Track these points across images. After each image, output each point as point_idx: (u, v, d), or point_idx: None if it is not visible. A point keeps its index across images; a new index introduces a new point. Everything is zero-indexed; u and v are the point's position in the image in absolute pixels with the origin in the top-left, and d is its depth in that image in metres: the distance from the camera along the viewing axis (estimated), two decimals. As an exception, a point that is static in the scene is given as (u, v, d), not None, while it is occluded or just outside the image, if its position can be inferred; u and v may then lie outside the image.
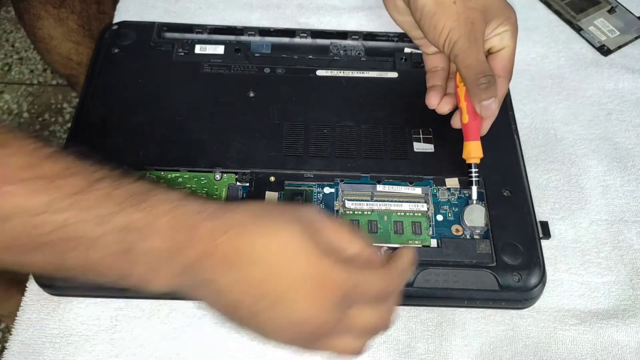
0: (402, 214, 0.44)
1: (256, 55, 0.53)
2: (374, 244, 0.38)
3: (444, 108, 0.46)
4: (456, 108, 0.46)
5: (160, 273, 0.30)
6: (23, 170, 0.28)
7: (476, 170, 0.44)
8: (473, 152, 0.44)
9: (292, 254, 0.30)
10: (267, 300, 0.30)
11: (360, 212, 0.44)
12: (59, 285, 0.41)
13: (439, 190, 0.45)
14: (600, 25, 0.60)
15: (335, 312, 0.31)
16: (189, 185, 0.44)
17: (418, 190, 0.45)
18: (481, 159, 0.44)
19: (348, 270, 0.31)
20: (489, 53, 0.44)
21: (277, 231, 0.31)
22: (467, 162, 0.44)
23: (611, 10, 0.61)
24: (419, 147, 0.47)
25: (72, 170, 0.29)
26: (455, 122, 0.46)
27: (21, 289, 0.42)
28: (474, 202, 0.44)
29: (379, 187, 0.45)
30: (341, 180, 0.45)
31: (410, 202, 0.44)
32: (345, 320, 0.31)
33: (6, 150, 0.28)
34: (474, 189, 0.44)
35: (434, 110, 0.47)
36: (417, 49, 0.51)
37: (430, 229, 0.43)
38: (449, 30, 0.41)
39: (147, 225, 0.29)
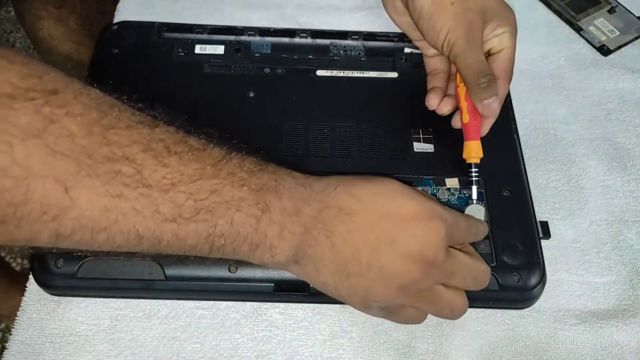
0: (402, 214, 0.44)
1: (256, 55, 0.53)
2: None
3: (444, 109, 0.46)
4: (456, 109, 0.46)
5: (286, 235, 0.33)
6: (177, 144, 0.30)
7: (476, 170, 0.44)
8: (473, 151, 0.44)
9: (400, 196, 0.35)
10: (385, 238, 0.33)
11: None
12: (59, 285, 0.41)
13: (439, 190, 0.45)
14: (600, 25, 0.60)
15: (444, 244, 0.34)
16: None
17: (418, 190, 0.45)
18: (481, 159, 0.44)
19: (445, 208, 0.35)
20: (488, 54, 0.44)
21: (379, 182, 0.35)
22: (467, 161, 0.44)
23: (611, 10, 0.61)
24: (419, 147, 0.47)
25: (209, 145, 0.32)
26: (456, 122, 0.46)
27: (21, 289, 0.42)
28: (474, 202, 0.44)
29: (379, 187, 0.45)
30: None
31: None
32: (451, 258, 0.35)
33: (159, 129, 0.30)
34: (474, 188, 0.44)
35: (434, 110, 0.47)
36: (418, 49, 0.51)
37: (430, 229, 0.43)
38: (447, 31, 0.41)
39: (277, 185, 0.33)
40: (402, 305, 0.36)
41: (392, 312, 0.37)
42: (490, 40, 0.43)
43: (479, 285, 0.37)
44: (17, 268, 1.12)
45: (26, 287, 0.42)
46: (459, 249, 0.37)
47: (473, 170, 0.44)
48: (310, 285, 0.37)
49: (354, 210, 0.33)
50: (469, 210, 0.43)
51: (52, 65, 0.29)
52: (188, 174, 0.30)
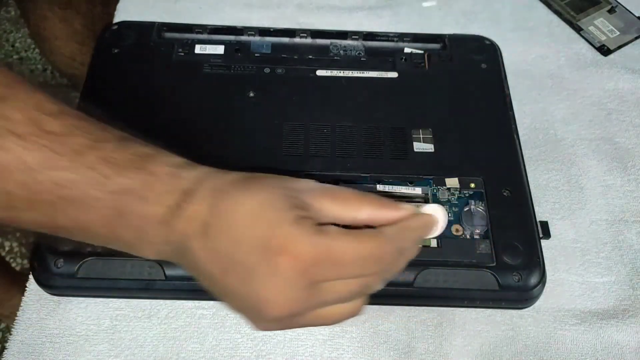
0: (402, 214, 0.43)
1: (256, 55, 0.53)
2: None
3: None
4: None
5: (147, 241, 0.29)
6: (23, 125, 0.27)
7: None
8: None
9: (256, 220, 0.27)
10: (234, 275, 0.28)
11: (360, 212, 0.44)
12: (58, 285, 0.41)
13: (439, 190, 0.45)
14: (600, 25, 0.60)
15: (302, 285, 0.27)
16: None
17: (418, 190, 0.45)
18: (481, 158, 0.44)
19: (318, 236, 0.27)
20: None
21: (250, 196, 0.28)
22: None
23: (611, 10, 0.61)
24: (419, 147, 0.47)
25: (76, 130, 0.28)
26: None
27: (22, 289, 0.42)
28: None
29: (379, 187, 0.45)
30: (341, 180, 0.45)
31: (410, 202, 0.44)
32: (319, 294, 0.28)
33: (8, 104, 0.27)
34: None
35: (434, 110, 0.47)
36: (417, 48, 0.51)
37: (430, 229, 0.43)
38: None
39: (145, 189, 0.28)
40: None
41: (299, 323, 0.30)
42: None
43: (375, 285, 0.30)
44: (17, 268, 1.12)
45: (26, 287, 0.42)
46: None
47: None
48: None
49: (211, 229, 0.28)
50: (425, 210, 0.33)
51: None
52: (28, 162, 0.27)
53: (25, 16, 0.81)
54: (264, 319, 0.28)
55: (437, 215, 0.32)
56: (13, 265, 1.12)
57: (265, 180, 0.29)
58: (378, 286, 0.30)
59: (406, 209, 0.31)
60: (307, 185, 0.30)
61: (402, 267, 0.31)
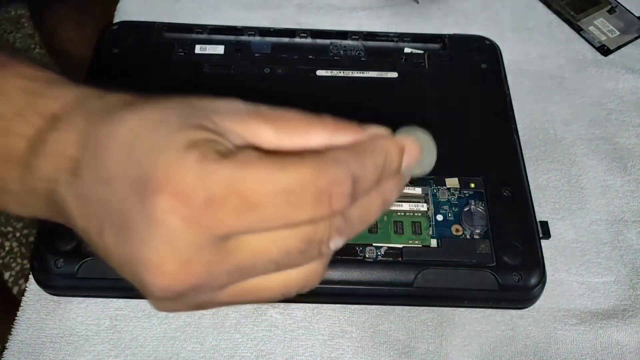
0: (402, 214, 0.44)
1: (256, 55, 0.53)
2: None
3: None
4: None
5: (2, 189, 0.22)
6: None
7: None
8: None
9: (133, 148, 0.19)
10: (109, 230, 0.19)
11: (360, 212, 0.44)
12: (59, 285, 0.41)
13: (439, 190, 0.45)
14: (600, 25, 0.60)
15: (200, 239, 0.18)
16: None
17: (418, 190, 0.45)
18: (481, 159, 0.44)
19: (217, 164, 0.18)
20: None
21: (133, 117, 0.19)
22: None
23: (611, 10, 0.61)
24: (419, 147, 0.47)
25: None
26: None
27: None
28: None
29: (379, 187, 0.45)
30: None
31: (410, 202, 0.44)
32: (236, 254, 0.19)
33: None
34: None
35: (434, 110, 0.47)
36: (417, 48, 0.51)
37: (430, 229, 0.43)
38: None
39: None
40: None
41: (216, 300, 0.21)
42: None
43: (311, 252, 0.20)
44: (17, 268, 1.12)
45: (26, 287, 0.42)
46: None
47: None
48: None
49: (82, 164, 0.20)
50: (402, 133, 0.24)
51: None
52: None
53: (39, 20, 0.81)
54: (151, 293, 0.19)
55: (418, 139, 0.22)
56: (13, 265, 1.12)
57: (165, 100, 0.20)
58: (334, 242, 0.20)
59: (375, 130, 0.22)
60: (229, 105, 0.21)
61: (374, 215, 0.21)
